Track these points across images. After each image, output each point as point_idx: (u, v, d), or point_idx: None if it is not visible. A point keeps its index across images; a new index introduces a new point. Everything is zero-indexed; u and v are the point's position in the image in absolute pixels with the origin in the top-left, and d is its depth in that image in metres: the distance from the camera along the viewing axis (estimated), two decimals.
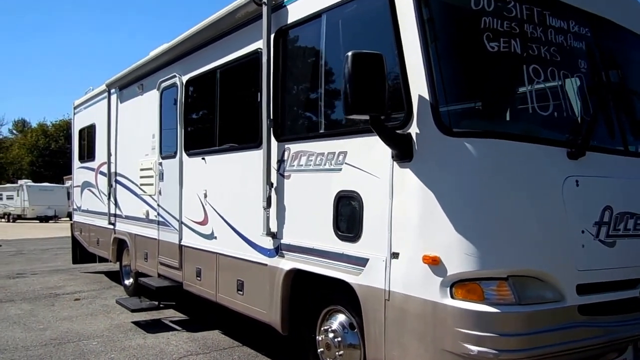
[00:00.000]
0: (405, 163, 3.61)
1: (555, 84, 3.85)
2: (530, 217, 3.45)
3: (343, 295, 4.31)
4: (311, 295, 4.72)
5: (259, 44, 5.20)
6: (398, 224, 3.65)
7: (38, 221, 40.13)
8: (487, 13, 3.63)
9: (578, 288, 3.55)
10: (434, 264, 3.38)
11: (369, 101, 3.39)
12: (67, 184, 46.40)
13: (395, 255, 3.67)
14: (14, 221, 40.86)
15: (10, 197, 42.34)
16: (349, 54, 3.39)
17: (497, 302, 3.26)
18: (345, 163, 4.13)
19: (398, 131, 3.62)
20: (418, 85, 3.53)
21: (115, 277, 10.78)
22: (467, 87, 3.78)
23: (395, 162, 3.69)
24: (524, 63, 3.72)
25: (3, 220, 42.42)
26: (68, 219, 41.27)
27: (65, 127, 71.65)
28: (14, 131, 76.60)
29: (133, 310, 6.90)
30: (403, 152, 3.58)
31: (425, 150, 3.51)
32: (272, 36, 4.96)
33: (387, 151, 3.73)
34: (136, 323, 7.02)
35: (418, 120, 3.54)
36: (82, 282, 10.49)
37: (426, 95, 3.47)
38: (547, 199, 3.52)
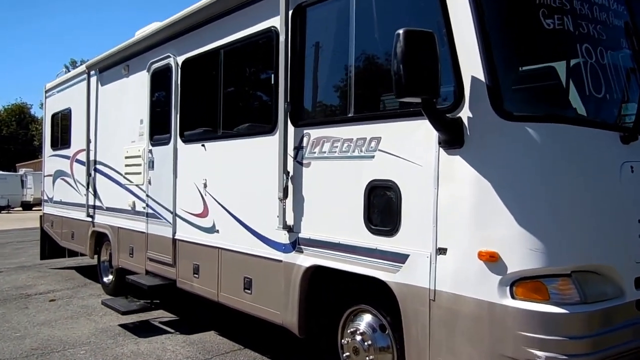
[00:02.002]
0: (455, 149, 3.39)
1: (604, 63, 3.68)
2: (592, 206, 3.30)
3: (372, 294, 4.10)
4: (333, 294, 4.47)
5: (273, 22, 4.92)
6: (445, 216, 3.43)
7: None
8: None
9: (636, 281, 3.42)
10: (492, 260, 3.17)
11: (422, 83, 3.16)
12: (21, 171, 44.99)
13: (442, 250, 3.45)
14: None
15: None
16: (400, 31, 3.15)
17: (563, 301, 3.07)
18: (379, 150, 3.89)
19: (447, 115, 3.40)
20: (470, 66, 3.31)
21: (88, 273, 10.39)
22: (525, 68, 3.58)
23: (442, 149, 3.46)
24: (578, 42, 3.55)
25: None
26: (21, 209, 40.31)
27: (17, 112, 69.58)
28: None
29: (124, 313, 6.52)
30: (453, 137, 3.36)
31: (479, 136, 3.29)
32: (290, 13, 4.67)
33: (430, 137, 3.52)
34: (124, 326, 6.65)
35: (471, 103, 3.32)
36: (54, 280, 10.01)
37: (481, 77, 3.25)
38: (606, 187, 3.39)
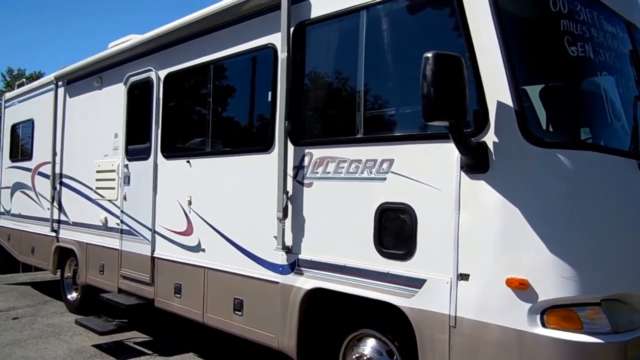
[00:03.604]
0: (479, 174, 3.21)
1: (620, 91, 3.63)
2: (620, 233, 3.19)
3: (377, 318, 3.86)
4: (333, 317, 4.20)
5: (271, 39, 4.65)
6: (467, 241, 3.24)
7: None
8: (563, 15, 3.33)
9: None
10: (521, 287, 2.99)
11: (450, 106, 2.99)
12: None
13: (463, 276, 3.25)
14: None
15: None
16: (430, 54, 2.98)
17: (595, 330, 2.92)
18: (392, 172, 3.67)
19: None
20: (496, 90, 3.15)
21: (46, 289, 9.68)
22: (552, 94, 3.45)
23: (463, 173, 3.28)
24: (598, 69, 3.47)
25: None
26: None
27: None
28: None
29: (101, 333, 5.99)
30: (478, 162, 3.19)
31: (507, 161, 3.13)
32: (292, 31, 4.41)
33: (449, 160, 3.34)
34: (97, 346, 6.11)
35: (497, 128, 3.16)
36: (11, 297, 9.22)
37: (508, 102, 3.10)
38: (631, 214, 3.28)
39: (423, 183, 3.49)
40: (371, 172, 3.79)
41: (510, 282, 3.02)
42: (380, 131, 3.90)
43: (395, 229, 3.67)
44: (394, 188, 3.65)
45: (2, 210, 10.37)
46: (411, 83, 3.76)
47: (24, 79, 10.56)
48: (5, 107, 10.46)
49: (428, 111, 3.01)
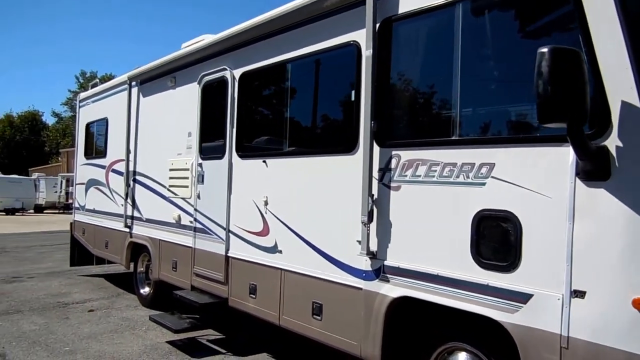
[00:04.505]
0: (598, 182, 2.85)
1: None
2: None
3: (471, 331, 3.55)
4: (422, 328, 3.91)
5: (354, 36, 4.38)
6: (584, 255, 2.89)
7: (5, 214, 37.79)
8: None
9: None
10: None
11: (570, 106, 2.64)
12: (34, 176, 44.25)
13: (578, 293, 2.90)
14: None
15: None
16: (545, 49, 2.65)
17: None
18: (492, 177, 3.34)
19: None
20: (620, 88, 2.78)
21: (118, 281, 9.82)
22: None
23: (579, 180, 2.92)
24: None
25: None
26: (33, 211, 39.52)
27: (30, 119, 69.06)
28: None
29: (176, 331, 5.91)
30: (598, 168, 2.82)
31: (632, 168, 2.75)
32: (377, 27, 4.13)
33: (561, 165, 2.99)
34: (171, 343, 6.06)
35: (620, 130, 2.79)
36: (87, 289, 9.37)
37: (635, 101, 2.72)
38: None
39: (530, 190, 3.15)
40: (468, 177, 3.48)
41: (637, 304, 2.65)
42: (478, 133, 3.58)
43: (496, 238, 3.34)
44: (494, 194, 3.33)
45: (77, 205, 10.57)
46: (514, 81, 3.45)
47: (97, 80, 10.65)
48: (80, 107, 10.64)
49: (544, 112, 2.68)
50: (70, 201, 40.31)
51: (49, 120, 73.82)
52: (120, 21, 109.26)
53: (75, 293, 8.90)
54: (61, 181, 42.19)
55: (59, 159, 58.26)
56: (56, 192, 42.21)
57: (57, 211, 41.37)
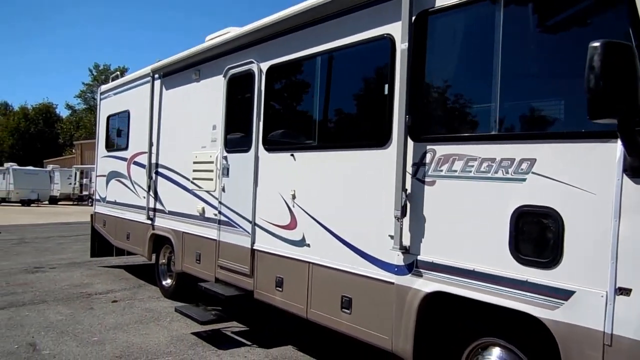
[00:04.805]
0: None
1: None
2: None
3: (507, 327, 3.52)
4: (453, 323, 3.89)
5: (388, 29, 4.35)
6: (630, 253, 2.85)
7: (20, 204, 38.19)
8: None
9: None
10: None
11: (622, 101, 2.61)
12: (49, 168, 44.63)
13: (623, 291, 2.86)
14: None
15: None
16: (597, 43, 2.63)
17: None
18: (533, 172, 3.31)
19: None
20: None
21: (138, 272, 9.91)
22: None
23: (626, 177, 2.88)
24: None
25: None
26: (47, 202, 39.89)
27: (44, 111, 69.67)
28: None
29: (203, 323, 5.94)
30: None
31: None
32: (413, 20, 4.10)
33: (608, 162, 2.95)
34: (197, 334, 6.08)
35: None
36: (108, 279, 9.44)
37: None
38: None
39: (573, 186, 3.11)
40: (507, 172, 3.45)
41: None
42: (519, 128, 3.54)
43: (537, 235, 3.31)
44: (535, 190, 3.29)
45: (98, 197, 10.63)
46: (557, 75, 3.40)
47: (118, 72, 10.67)
48: (101, 99, 10.68)
49: (595, 107, 2.65)
50: (84, 193, 40.78)
51: (63, 112, 74.48)
52: (134, 14, 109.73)
53: (97, 284, 8.97)
54: (75, 173, 42.56)
55: (73, 151, 58.75)
56: (70, 183, 42.58)
57: (71, 202, 41.72)
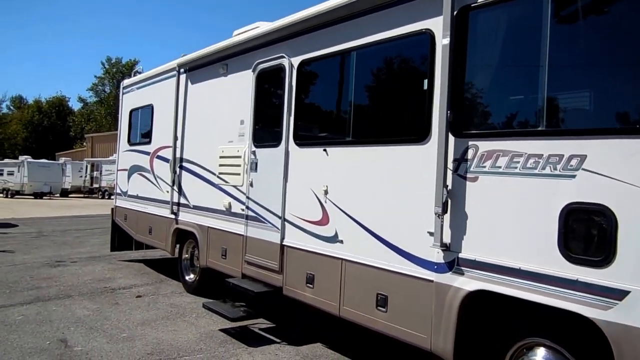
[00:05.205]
0: None
1: None
2: None
3: (553, 327, 3.47)
4: (495, 322, 3.85)
5: (427, 24, 4.31)
6: None
7: (33, 197, 38.51)
8: None
9: None
10: None
11: None
12: (61, 160, 44.96)
13: None
14: (12, 197, 39.19)
15: (10, 173, 40.58)
16: None
17: None
18: (583, 169, 3.25)
19: None
20: None
21: (158, 267, 9.94)
22: None
23: None
24: None
25: (1, 195, 40.72)
26: (59, 195, 40.18)
27: (57, 104, 70.23)
28: (11, 107, 74.61)
29: (233, 320, 5.92)
30: None
31: None
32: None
33: None
34: (225, 331, 6.07)
35: None
36: (129, 274, 9.47)
37: None
38: None
39: (627, 183, 3.05)
40: (555, 169, 3.39)
41: None
42: (568, 124, 3.48)
43: (588, 232, 3.26)
44: (585, 187, 3.24)
45: (119, 191, 10.66)
46: (610, 67, 3.33)
47: (141, 67, 10.68)
48: (123, 94, 10.70)
49: None
50: (95, 185, 41.07)
51: (75, 105, 75.03)
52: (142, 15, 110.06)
53: (119, 278, 9.00)
54: (86, 166, 42.89)
55: (84, 144, 59.13)
56: (81, 176, 42.93)
57: (82, 195, 42.01)
